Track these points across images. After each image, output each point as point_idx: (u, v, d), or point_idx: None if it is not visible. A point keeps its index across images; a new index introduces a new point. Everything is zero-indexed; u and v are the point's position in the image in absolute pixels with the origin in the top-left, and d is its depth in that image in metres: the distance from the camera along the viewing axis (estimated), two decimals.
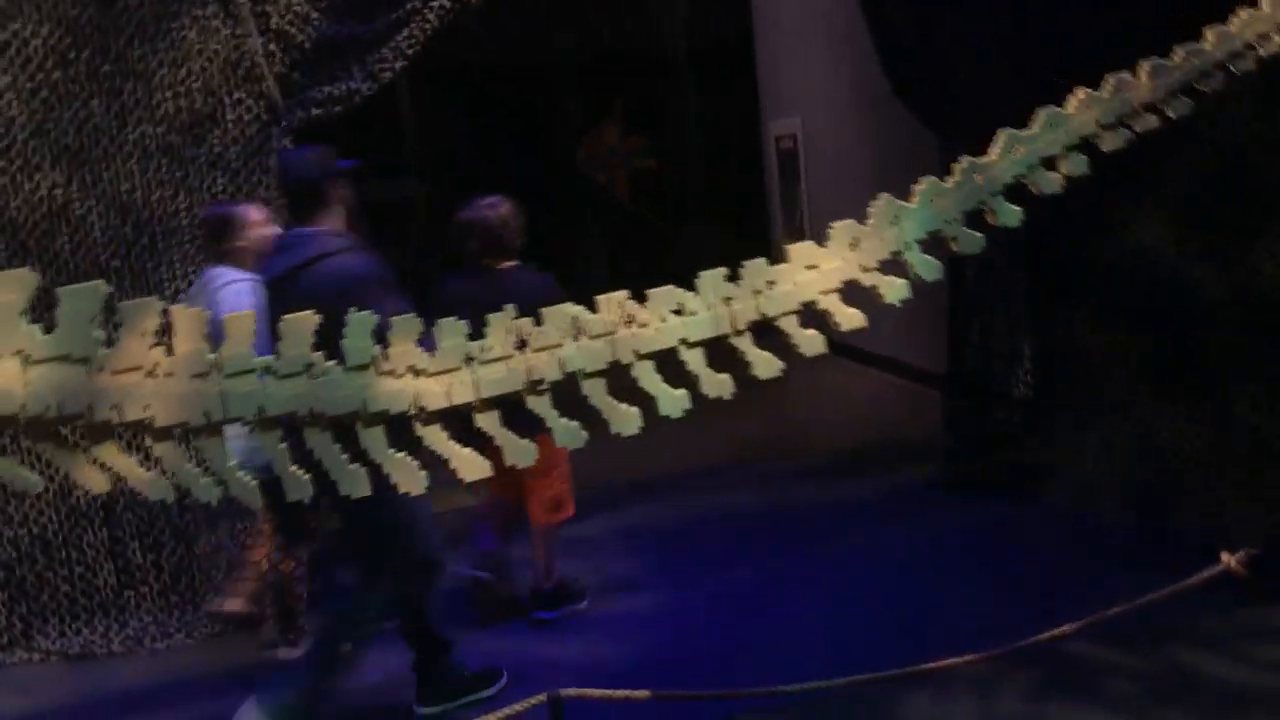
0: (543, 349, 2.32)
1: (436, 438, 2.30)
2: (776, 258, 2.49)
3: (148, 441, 2.19)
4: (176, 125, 5.12)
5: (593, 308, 2.36)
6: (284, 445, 2.24)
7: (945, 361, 6.60)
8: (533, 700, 3.17)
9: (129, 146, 5.08)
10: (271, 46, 5.18)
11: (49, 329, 2.14)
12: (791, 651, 4.48)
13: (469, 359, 2.30)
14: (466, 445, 2.30)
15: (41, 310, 2.11)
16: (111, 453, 2.18)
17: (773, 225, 11.25)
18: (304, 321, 2.26)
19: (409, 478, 2.28)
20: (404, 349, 2.28)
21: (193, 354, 2.19)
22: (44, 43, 4.96)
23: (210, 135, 5.17)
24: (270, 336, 2.27)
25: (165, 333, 2.21)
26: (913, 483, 6.44)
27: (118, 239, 5.08)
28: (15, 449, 4.64)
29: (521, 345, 2.32)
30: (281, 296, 3.78)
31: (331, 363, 2.25)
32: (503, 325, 2.32)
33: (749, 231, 10.76)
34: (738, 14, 11.27)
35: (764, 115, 11.28)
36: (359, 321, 2.28)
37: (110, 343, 2.16)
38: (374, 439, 2.27)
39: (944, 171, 2.68)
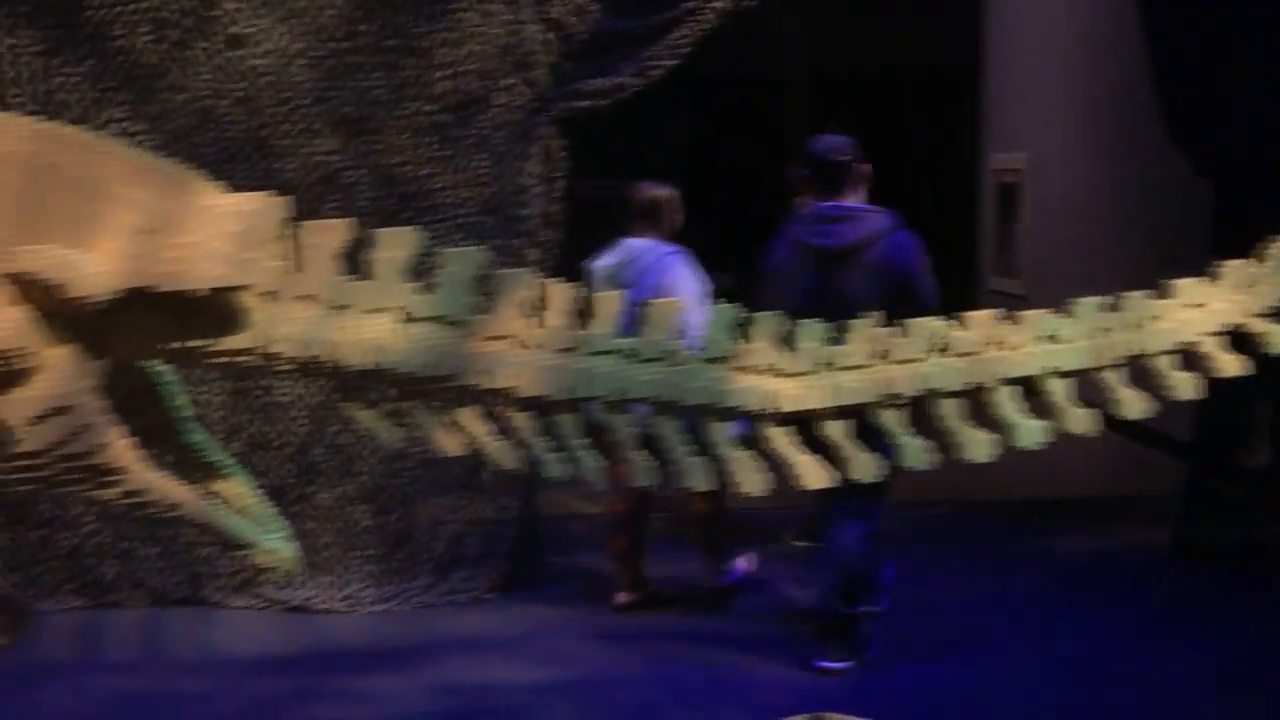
0: (903, 362, 2.24)
1: (781, 440, 2.24)
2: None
3: (506, 410, 2.19)
4: (448, 105, 5.22)
5: (959, 324, 2.27)
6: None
7: (1171, 423, 6.26)
8: None
9: (402, 121, 5.20)
10: (547, 35, 5.24)
11: (429, 289, 2.16)
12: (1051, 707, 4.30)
13: (827, 364, 2.23)
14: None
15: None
16: (470, 418, 2.18)
17: (981, 261, 10.94)
18: (667, 308, 2.23)
19: (750, 477, 2.22)
20: (764, 346, 2.22)
21: (561, 328, 2.18)
22: (336, 13, 5.12)
23: (478, 117, 5.25)
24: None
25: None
26: (1140, 546, 6.14)
27: (381, 210, 5.19)
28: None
29: (882, 355, 2.24)
30: (844, 266, 4.36)
31: (690, 352, 2.22)
32: (864, 333, 2.24)
33: (957, 265, 10.45)
34: (967, 42, 11.01)
35: (985, 147, 10.98)
36: (721, 314, 2.24)
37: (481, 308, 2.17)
38: (721, 433, 2.23)
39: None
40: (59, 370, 1.92)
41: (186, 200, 2.02)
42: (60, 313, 1.92)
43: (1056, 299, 2.30)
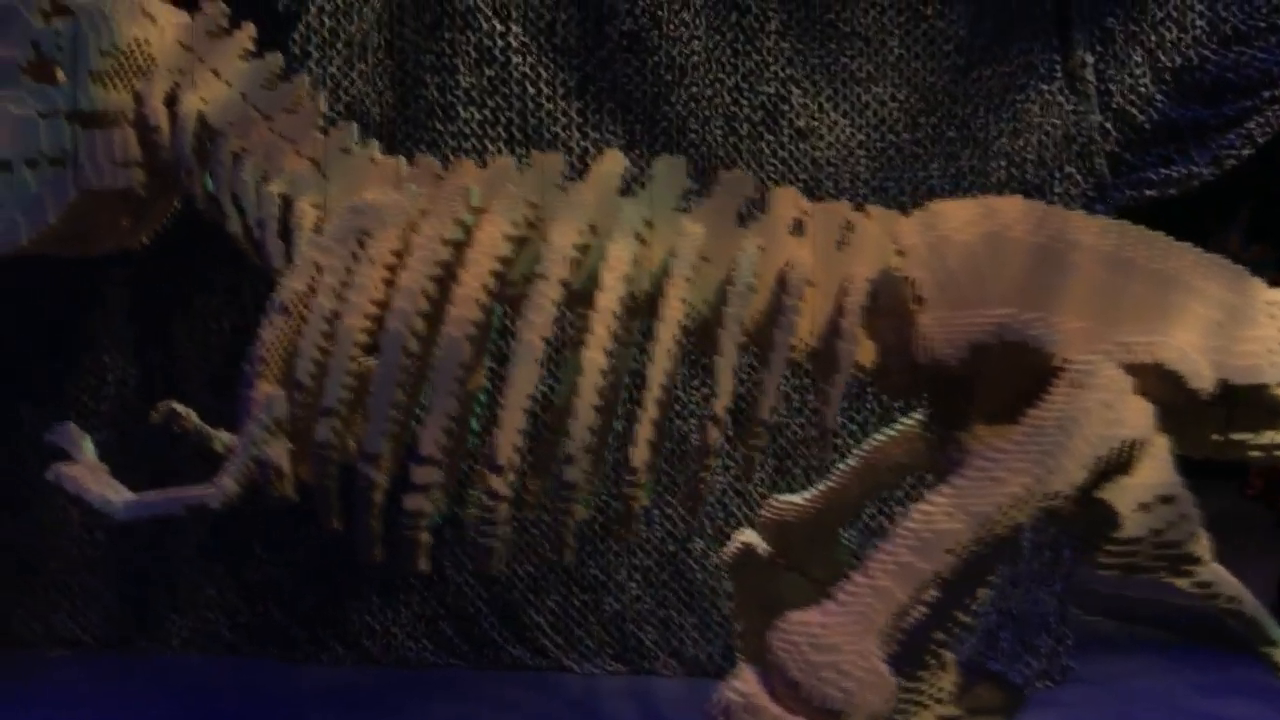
0: None
1: None
2: None
3: None
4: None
5: None
6: None
7: None
8: None
9: None
10: (1108, 124, 5.21)
11: None
12: None
13: None
14: None
15: None
16: None
17: None
18: None
19: None
20: None
21: None
22: (899, 106, 5.27)
23: None
24: None
25: None
26: None
27: None
28: None
29: None
30: None
31: None
32: None
33: None
34: None
35: None
36: None
37: None
38: None
39: None
40: (1165, 459, 1.96)
41: (1251, 294, 2.04)
42: (1165, 403, 1.97)
43: None
